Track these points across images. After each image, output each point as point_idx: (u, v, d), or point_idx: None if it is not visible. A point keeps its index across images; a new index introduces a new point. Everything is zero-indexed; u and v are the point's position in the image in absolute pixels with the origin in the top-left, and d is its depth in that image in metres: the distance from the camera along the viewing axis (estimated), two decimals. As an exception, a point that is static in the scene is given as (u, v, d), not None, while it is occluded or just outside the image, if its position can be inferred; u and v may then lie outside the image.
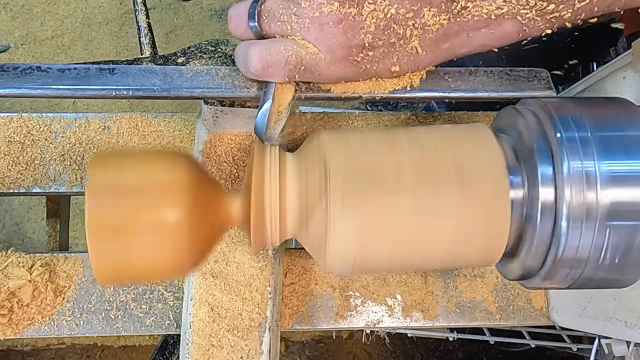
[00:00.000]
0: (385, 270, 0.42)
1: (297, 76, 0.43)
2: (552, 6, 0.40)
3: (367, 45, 0.41)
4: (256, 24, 0.43)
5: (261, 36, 0.43)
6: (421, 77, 0.46)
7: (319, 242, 0.40)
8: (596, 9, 0.41)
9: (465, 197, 0.39)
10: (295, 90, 0.45)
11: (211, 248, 0.43)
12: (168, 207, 0.38)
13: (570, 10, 0.41)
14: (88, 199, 0.37)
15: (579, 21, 0.42)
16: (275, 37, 0.43)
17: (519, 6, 0.41)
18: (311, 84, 0.46)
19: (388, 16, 0.40)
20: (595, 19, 0.43)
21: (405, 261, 0.41)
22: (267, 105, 0.44)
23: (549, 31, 0.43)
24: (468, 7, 0.41)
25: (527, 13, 0.41)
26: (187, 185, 0.39)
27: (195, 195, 0.39)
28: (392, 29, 0.41)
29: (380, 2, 0.40)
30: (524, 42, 0.44)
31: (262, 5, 0.42)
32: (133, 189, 0.38)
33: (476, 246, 0.40)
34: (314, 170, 0.40)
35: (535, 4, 0.40)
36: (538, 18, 0.41)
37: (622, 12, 0.43)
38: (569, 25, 0.43)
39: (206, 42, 0.50)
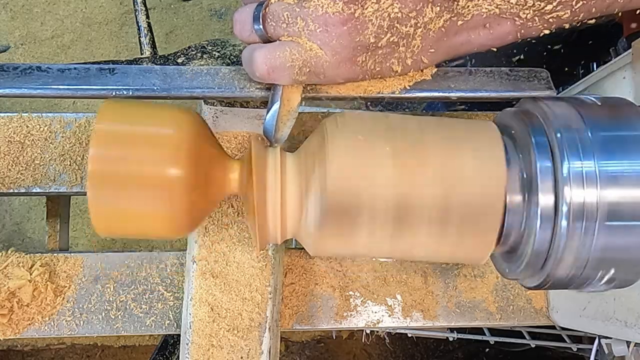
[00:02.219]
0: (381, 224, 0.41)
1: (302, 78, 0.43)
2: (549, 7, 0.41)
3: (371, 45, 0.41)
4: (261, 26, 0.43)
5: (266, 39, 0.43)
6: (423, 78, 0.46)
7: (315, 212, 0.41)
8: (594, 10, 0.42)
9: (460, 151, 0.39)
10: (303, 90, 0.45)
11: (208, 211, 0.43)
12: (169, 163, 0.38)
13: (569, 11, 0.41)
14: (92, 146, 0.38)
15: (577, 22, 0.42)
16: (280, 39, 0.43)
17: (517, 6, 0.41)
18: (314, 85, 0.46)
19: (391, 16, 0.40)
20: (594, 20, 0.43)
21: (399, 216, 0.40)
22: (275, 108, 0.44)
23: (547, 32, 0.43)
24: (468, 6, 0.41)
25: (525, 13, 0.41)
26: (190, 144, 0.39)
27: (196, 155, 0.39)
28: (395, 29, 0.41)
29: (384, 2, 0.40)
30: (524, 42, 0.44)
31: (267, 8, 0.42)
32: (137, 140, 0.39)
33: (472, 192, 0.39)
34: (313, 165, 0.40)
35: (534, 4, 0.41)
36: (536, 18, 0.42)
37: (620, 13, 0.43)
38: (567, 26, 0.43)
39: (206, 42, 0.50)
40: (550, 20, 0.42)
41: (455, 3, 0.41)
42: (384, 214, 0.39)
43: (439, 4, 0.41)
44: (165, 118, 0.41)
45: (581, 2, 0.41)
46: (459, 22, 0.42)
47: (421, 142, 0.40)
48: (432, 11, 0.41)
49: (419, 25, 0.41)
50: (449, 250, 0.41)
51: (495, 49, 0.45)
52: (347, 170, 0.39)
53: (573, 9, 0.41)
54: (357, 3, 0.40)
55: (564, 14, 0.41)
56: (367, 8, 0.40)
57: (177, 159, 0.39)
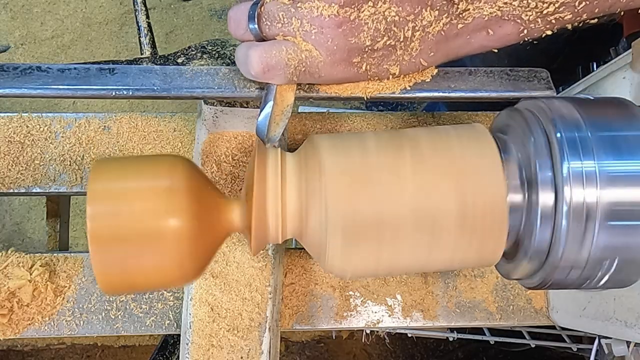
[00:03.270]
0: (383, 275, 0.42)
1: (297, 78, 0.43)
2: (552, 8, 0.40)
3: (367, 47, 0.41)
4: (256, 26, 0.42)
5: (261, 38, 0.43)
6: (423, 79, 0.46)
7: (317, 245, 0.41)
8: (597, 10, 0.41)
9: (463, 230, 0.39)
10: (297, 90, 0.45)
11: (212, 255, 0.42)
12: (168, 215, 0.38)
13: (571, 12, 0.41)
14: (89, 208, 0.37)
15: (579, 22, 0.42)
16: (275, 39, 0.43)
17: (519, 8, 0.41)
18: (312, 85, 0.46)
19: (388, 19, 0.40)
20: (596, 20, 0.43)
21: (401, 271, 0.42)
22: (268, 107, 0.44)
23: (549, 32, 0.43)
24: (469, 9, 0.41)
25: (528, 15, 0.41)
26: (186, 193, 0.39)
27: (194, 202, 0.39)
28: (392, 32, 0.41)
29: (381, 5, 0.40)
30: (524, 42, 0.44)
31: (262, 7, 0.42)
32: (133, 197, 0.38)
33: (471, 262, 0.41)
34: (313, 173, 0.40)
35: (536, 5, 0.40)
36: (538, 20, 0.41)
37: (622, 12, 0.43)
38: (569, 26, 0.43)
39: (206, 42, 0.50)
40: (553, 21, 0.42)
41: (455, 6, 0.41)
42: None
43: (437, 8, 0.40)
44: (158, 168, 0.40)
45: (584, 3, 0.40)
46: (459, 25, 0.42)
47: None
48: (430, 15, 0.40)
49: (417, 28, 0.41)
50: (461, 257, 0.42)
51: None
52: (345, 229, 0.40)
53: (575, 10, 0.41)
54: (353, 6, 0.40)
55: (567, 15, 0.41)
56: (363, 11, 0.40)
57: (175, 208, 0.38)
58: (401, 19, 0.40)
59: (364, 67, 0.43)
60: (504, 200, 0.39)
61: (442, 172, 0.39)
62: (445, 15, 0.41)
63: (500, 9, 0.41)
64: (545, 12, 0.41)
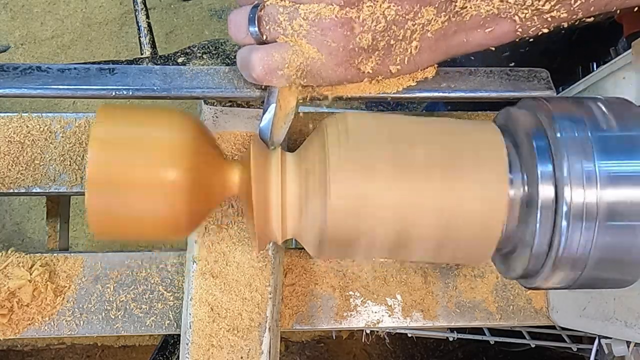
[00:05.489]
0: (380, 250, 0.42)
1: (299, 80, 0.43)
2: (548, 6, 0.41)
3: (367, 47, 0.41)
4: (256, 28, 0.42)
5: (262, 41, 0.43)
6: (425, 77, 0.46)
7: (317, 233, 0.41)
8: (592, 8, 0.42)
9: (463, 178, 0.39)
10: (300, 92, 0.45)
11: (207, 212, 0.43)
12: (168, 166, 0.38)
13: (567, 10, 0.41)
14: (90, 150, 0.37)
15: (575, 21, 0.43)
16: (275, 41, 0.43)
17: (515, 6, 0.41)
18: (313, 86, 0.46)
19: (388, 18, 0.40)
20: (592, 19, 0.43)
21: (399, 238, 0.41)
22: (271, 110, 0.44)
23: (545, 30, 0.43)
24: (466, 7, 0.41)
25: (524, 13, 0.41)
26: (189, 146, 0.39)
27: (195, 157, 0.39)
28: (392, 31, 0.41)
29: (380, 5, 0.40)
30: (524, 42, 0.44)
31: (262, 10, 0.42)
32: (136, 144, 0.39)
33: (471, 223, 0.40)
34: (314, 168, 0.40)
35: (532, 3, 0.41)
36: (534, 18, 0.42)
37: (618, 11, 0.43)
38: (565, 25, 0.43)
39: (206, 42, 0.50)
40: (549, 19, 0.42)
41: (453, 4, 0.41)
42: (380, 245, 0.41)
43: (436, 6, 0.41)
44: (163, 121, 0.40)
45: (579, 1, 0.41)
46: (458, 23, 0.42)
47: (424, 168, 0.39)
48: (429, 13, 0.41)
49: (416, 27, 0.41)
50: (448, 259, 0.42)
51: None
52: (348, 203, 0.39)
53: (571, 8, 0.41)
54: (353, 6, 0.40)
55: (563, 13, 0.41)
56: (363, 11, 0.40)
57: (175, 161, 0.38)
58: (400, 18, 0.40)
59: (365, 67, 0.43)
60: (505, 195, 0.39)
61: (446, 165, 0.39)
62: (444, 13, 0.41)
63: (497, 7, 0.41)
64: (541, 10, 0.41)
